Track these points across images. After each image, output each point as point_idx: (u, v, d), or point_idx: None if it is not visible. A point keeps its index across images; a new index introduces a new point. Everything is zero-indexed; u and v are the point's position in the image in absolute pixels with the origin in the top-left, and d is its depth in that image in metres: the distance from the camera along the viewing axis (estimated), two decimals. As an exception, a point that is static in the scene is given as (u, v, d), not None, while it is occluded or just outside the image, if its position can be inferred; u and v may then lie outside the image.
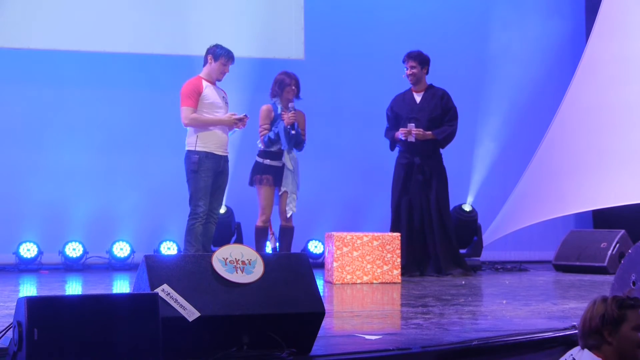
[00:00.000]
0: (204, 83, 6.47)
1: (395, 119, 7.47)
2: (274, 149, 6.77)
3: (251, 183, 6.85)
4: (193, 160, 6.36)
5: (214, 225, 6.53)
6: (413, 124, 7.23)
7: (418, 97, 7.47)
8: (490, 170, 9.15)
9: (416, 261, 7.26)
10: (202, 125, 6.40)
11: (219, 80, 6.56)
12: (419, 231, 7.32)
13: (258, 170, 6.79)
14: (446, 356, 3.48)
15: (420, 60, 7.41)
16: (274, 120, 6.80)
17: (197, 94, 6.40)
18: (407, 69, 7.42)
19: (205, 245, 6.45)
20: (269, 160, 6.77)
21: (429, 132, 7.28)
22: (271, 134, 6.74)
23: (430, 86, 7.52)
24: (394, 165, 7.48)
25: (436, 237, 7.30)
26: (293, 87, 6.81)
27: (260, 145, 6.86)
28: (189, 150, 6.43)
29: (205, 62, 6.55)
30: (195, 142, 6.38)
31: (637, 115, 7.56)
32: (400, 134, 7.28)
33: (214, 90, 6.51)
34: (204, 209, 6.37)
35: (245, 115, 6.52)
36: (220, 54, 6.48)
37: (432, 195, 7.33)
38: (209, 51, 6.53)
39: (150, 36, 8.18)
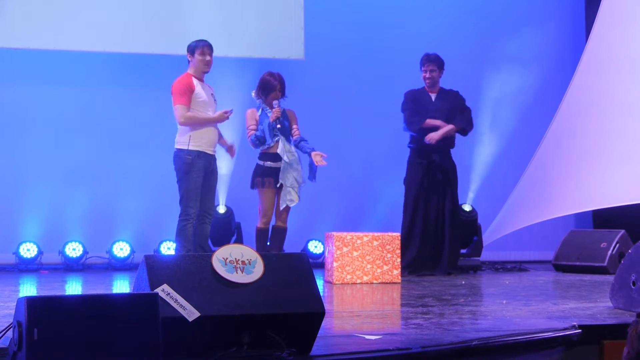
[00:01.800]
0: (195, 81, 6.38)
1: (416, 108, 7.38)
2: (262, 148, 6.73)
3: (253, 186, 6.78)
4: (185, 161, 6.23)
5: (209, 225, 6.45)
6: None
7: (433, 97, 7.47)
8: (490, 170, 9.14)
9: (427, 259, 7.28)
10: (198, 124, 6.31)
11: (206, 72, 6.44)
12: (434, 230, 7.34)
13: (259, 173, 6.73)
14: (446, 356, 3.49)
15: (439, 63, 7.39)
16: (259, 122, 6.76)
17: (190, 92, 6.30)
18: (426, 72, 7.37)
19: (202, 245, 6.40)
20: (269, 162, 6.68)
21: (451, 126, 7.29)
22: (258, 132, 6.71)
23: (442, 89, 7.51)
24: (406, 166, 7.47)
25: (446, 237, 7.34)
26: (277, 92, 6.72)
27: (254, 148, 6.83)
28: (180, 149, 6.30)
29: (189, 61, 6.46)
30: (189, 141, 6.25)
31: (637, 115, 7.56)
32: (426, 139, 7.23)
33: (203, 87, 6.43)
34: (195, 210, 6.28)
35: (230, 110, 6.45)
36: (194, 47, 6.41)
37: (448, 195, 7.38)
38: (187, 49, 6.47)
39: (150, 36, 8.17)
